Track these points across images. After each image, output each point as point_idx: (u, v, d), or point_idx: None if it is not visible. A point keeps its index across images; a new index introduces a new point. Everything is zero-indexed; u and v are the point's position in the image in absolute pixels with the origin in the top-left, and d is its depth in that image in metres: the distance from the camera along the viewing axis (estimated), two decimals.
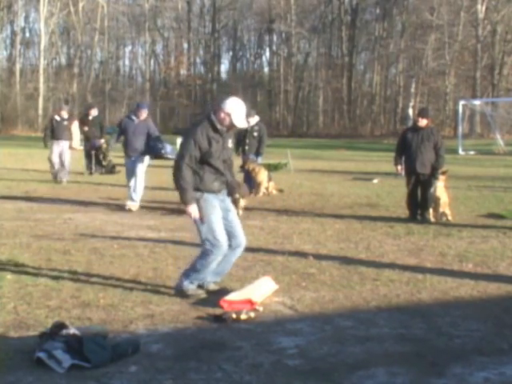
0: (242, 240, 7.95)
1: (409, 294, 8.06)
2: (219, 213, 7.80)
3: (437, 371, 5.64)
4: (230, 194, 8.08)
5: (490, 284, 8.57)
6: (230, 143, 8.02)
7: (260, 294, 7.61)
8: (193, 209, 7.62)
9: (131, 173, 15.27)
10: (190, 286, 7.81)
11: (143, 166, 15.31)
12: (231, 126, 7.77)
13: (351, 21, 79.25)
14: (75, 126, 22.62)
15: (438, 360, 5.89)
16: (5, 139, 52.27)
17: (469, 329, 6.78)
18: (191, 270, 7.85)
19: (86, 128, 23.69)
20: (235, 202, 8.17)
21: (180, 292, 7.79)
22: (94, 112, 24.20)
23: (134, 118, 15.34)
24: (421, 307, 7.56)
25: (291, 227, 12.89)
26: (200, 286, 7.92)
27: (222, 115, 7.69)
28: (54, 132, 21.40)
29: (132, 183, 15.16)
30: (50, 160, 21.47)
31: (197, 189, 7.68)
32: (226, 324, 6.81)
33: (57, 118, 21.68)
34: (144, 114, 15.27)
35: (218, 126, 7.67)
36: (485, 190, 19.80)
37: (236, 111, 7.70)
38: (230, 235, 7.84)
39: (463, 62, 69.35)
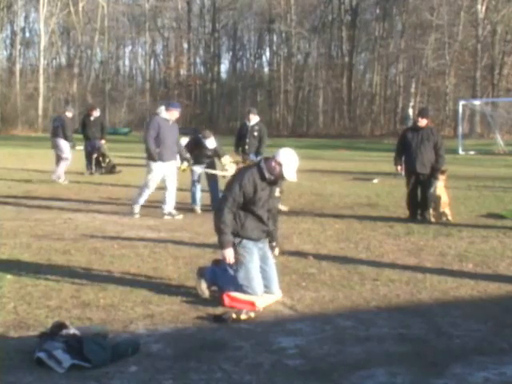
0: (276, 291, 7.88)
1: (409, 294, 8.06)
2: (257, 261, 7.78)
3: (437, 371, 5.65)
4: (270, 242, 8.09)
5: (490, 284, 8.58)
6: (278, 192, 7.98)
7: (265, 301, 7.58)
8: (229, 253, 7.56)
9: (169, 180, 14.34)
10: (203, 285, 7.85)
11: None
12: (280, 176, 7.73)
13: (351, 21, 79.21)
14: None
15: (437, 360, 5.89)
16: (5, 139, 52.26)
17: (469, 329, 6.79)
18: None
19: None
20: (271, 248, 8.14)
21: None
22: (95, 113, 24.17)
23: (167, 117, 14.30)
24: (421, 307, 7.56)
25: (291, 227, 12.89)
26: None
27: (273, 164, 7.67)
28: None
29: (170, 192, 14.29)
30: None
31: (236, 234, 7.68)
32: (225, 324, 6.81)
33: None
34: (178, 114, 14.55)
35: (267, 175, 7.67)
36: (485, 190, 19.80)
37: (288, 163, 7.70)
38: (265, 278, 7.81)
39: (463, 61, 69.32)
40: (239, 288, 7.62)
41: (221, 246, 7.62)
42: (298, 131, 73.34)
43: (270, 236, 8.07)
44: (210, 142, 14.88)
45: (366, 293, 8.11)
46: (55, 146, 21.63)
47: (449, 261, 9.99)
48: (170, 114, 14.22)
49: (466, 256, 10.30)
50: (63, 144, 21.56)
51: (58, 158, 21.51)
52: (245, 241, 7.68)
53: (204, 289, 7.78)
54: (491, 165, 31.12)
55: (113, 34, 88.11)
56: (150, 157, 14.01)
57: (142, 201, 14.38)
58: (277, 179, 7.78)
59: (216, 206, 7.74)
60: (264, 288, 7.75)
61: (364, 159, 34.65)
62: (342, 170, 27.09)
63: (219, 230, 7.57)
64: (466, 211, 15.17)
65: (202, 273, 7.89)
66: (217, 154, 15.12)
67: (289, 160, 7.72)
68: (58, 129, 21.57)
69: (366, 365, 5.78)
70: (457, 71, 68.81)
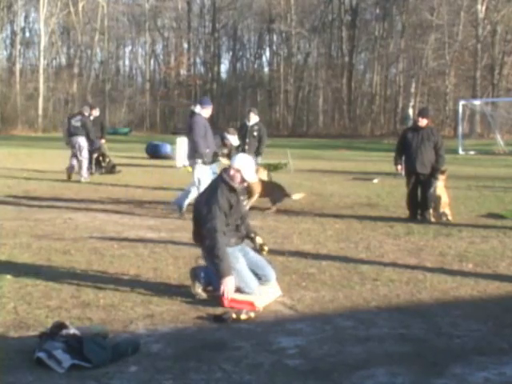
0: (271, 276, 7.98)
1: (409, 294, 8.06)
2: (243, 261, 7.89)
3: (437, 371, 5.65)
4: (248, 236, 8.24)
5: (490, 284, 8.58)
6: (242, 197, 8.16)
7: (264, 300, 7.59)
8: (231, 280, 7.48)
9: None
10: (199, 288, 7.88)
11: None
12: (242, 181, 7.94)
13: (351, 21, 79.26)
14: None
15: (438, 360, 5.89)
16: (5, 139, 52.28)
17: (469, 329, 6.79)
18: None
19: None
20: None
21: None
22: (95, 112, 24.17)
23: (206, 116, 14.08)
24: (421, 307, 7.56)
25: (291, 227, 12.90)
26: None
27: (232, 172, 7.87)
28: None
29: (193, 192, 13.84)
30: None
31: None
32: (225, 324, 6.81)
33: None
34: (211, 111, 14.30)
35: (235, 185, 7.84)
36: (485, 189, 19.80)
37: (244, 166, 7.91)
38: (256, 268, 7.93)
39: (463, 62, 69.34)
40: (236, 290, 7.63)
41: (223, 274, 7.47)
42: (298, 131, 73.40)
43: (247, 232, 8.22)
44: (234, 140, 14.72)
45: (366, 293, 8.11)
46: (75, 145, 21.77)
47: (449, 261, 10.00)
48: (206, 112, 14.06)
49: (466, 256, 10.31)
50: (83, 142, 21.80)
51: (74, 156, 21.77)
52: (228, 249, 7.71)
53: (200, 291, 7.78)
54: (491, 165, 31.13)
55: (113, 34, 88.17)
56: (200, 157, 13.67)
57: (187, 203, 14.00)
58: (241, 185, 7.98)
59: (207, 236, 7.68)
60: (262, 278, 7.89)
61: (364, 159, 34.65)
62: (342, 170, 27.10)
63: (218, 259, 7.51)
64: (466, 211, 15.18)
65: (195, 274, 7.88)
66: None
67: (244, 164, 7.94)
68: (78, 128, 21.77)
69: (366, 365, 5.78)
70: (457, 71, 68.84)
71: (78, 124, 21.79)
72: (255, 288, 7.69)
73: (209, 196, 7.90)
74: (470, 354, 6.08)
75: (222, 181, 7.89)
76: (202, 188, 13.10)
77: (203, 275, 7.85)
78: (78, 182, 20.84)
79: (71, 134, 21.84)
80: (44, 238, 11.49)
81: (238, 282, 7.63)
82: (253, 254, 8.09)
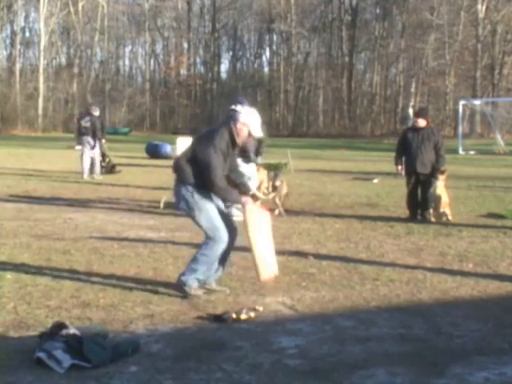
0: (233, 230, 7.95)
1: (409, 294, 8.06)
2: (215, 205, 7.83)
3: (437, 371, 5.64)
4: (244, 192, 8.17)
5: (490, 284, 8.57)
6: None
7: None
8: (246, 199, 7.74)
9: None
10: (194, 285, 7.79)
11: None
12: (249, 135, 7.78)
13: (351, 21, 79.35)
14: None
15: (438, 360, 5.89)
16: (5, 139, 52.30)
17: (469, 329, 6.78)
18: (195, 264, 7.81)
19: None
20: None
21: (181, 288, 7.77)
22: (95, 112, 24.22)
23: None
24: (421, 307, 7.56)
25: (291, 227, 12.89)
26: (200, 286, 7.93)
27: (239, 126, 7.68)
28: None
29: None
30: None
31: (198, 185, 7.68)
32: (226, 324, 6.81)
33: None
34: None
35: (237, 140, 7.71)
36: (485, 189, 19.81)
37: (252, 121, 7.73)
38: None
39: (463, 61, 69.40)
40: (206, 246, 7.74)
41: (236, 201, 7.86)
42: (298, 131, 73.46)
43: (243, 187, 8.21)
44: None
45: (366, 293, 8.10)
46: (85, 144, 22.38)
47: (449, 261, 9.99)
48: None
49: (466, 256, 10.30)
50: (92, 142, 22.52)
51: (83, 155, 22.26)
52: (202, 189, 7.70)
53: (198, 291, 7.77)
54: (491, 165, 31.15)
55: (113, 34, 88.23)
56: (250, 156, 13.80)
57: None
58: (244, 139, 7.83)
59: (207, 180, 7.65)
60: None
61: (364, 159, 34.68)
62: (342, 169, 27.12)
63: (225, 193, 7.63)
64: (466, 211, 15.18)
65: (183, 275, 7.88)
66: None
67: (252, 118, 7.74)
68: (88, 128, 22.20)
69: (366, 365, 5.77)
70: (457, 71, 68.88)
71: (88, 124, 22.34)
72: (222, 228, 7.71)
73: (210, 142, 7.70)
74: (470, 353, 6.08)
75: (226, 128, 7.73)
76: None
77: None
78: (78, 182, 20.85)
79: (82, 133, 22.42)
80: (44, 237, 11.48)
81: (205, 222, 7.68)
82: (223, 210, 8.01)
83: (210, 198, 7.77)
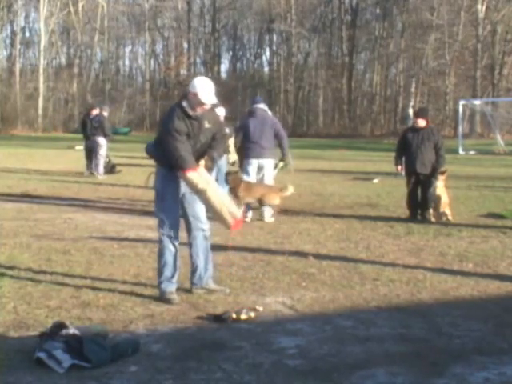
0: (202, 222, 8.04)
1: (409, 294, 8.06)
2: (177, 189, 7.83)
3: (437, 371, 5.64)
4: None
5: (491, 284, 8.58)
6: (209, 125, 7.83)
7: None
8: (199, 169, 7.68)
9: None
10: (167, 288, 7.81)
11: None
12: (200, 103, 7.53)
13: (351, 21, 79.37)
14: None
15: (438, 360, 5.89)
16: (5, 139, 52.30)
17: (469, 329, 6.78)
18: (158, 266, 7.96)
19: None
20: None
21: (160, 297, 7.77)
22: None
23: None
24: (421, 307, 7.56)
25: (291, 227, 12.90)
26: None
27: (190, 96, 7.54)
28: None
29: None
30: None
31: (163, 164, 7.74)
32: (225, 324, 6.81)
33: None
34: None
35: (190, 112, 7.56)
36: (485, 189, 19.81)
37: (202, 88, 7.52)
38: (192, 216, 7.98)
39: (463, 61, 69.40)
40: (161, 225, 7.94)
41: (186, 167, 7.52)
42: (298, 131, 73.38)
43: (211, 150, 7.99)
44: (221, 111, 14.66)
45: (366, 293, 8.10)
46: (94, 144, 22.94)
47: (449, 261, 9.99)
48: None
49: (466, 256, 10.30)
50: (102, 141, 23.02)
51: (90, 155, 22.63)
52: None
53: (172, 295, 7.74)
54: (491, 165, 31.15)
55: (113, 34, 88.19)
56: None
57: None
58: (197, 108, 7.56)
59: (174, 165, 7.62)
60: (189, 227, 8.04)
61: (364, 159, 34.69)
62: (342, 169, 27.13)
63: (179, 159, 7.49)
64: (466, 211, 15.18)
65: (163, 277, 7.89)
66: None
67: (201, 85, 7.52)
68: (97, 128, 22.88)
69: (367, 365, 5.77)
70: (457, 71, 68.88)
71: (97, 124, 22.66)
72: (172, 219, 7.87)
73: (162, 120, 7.81)
74: (470, 353, 6.08)
75: (177, 106, 7.63)
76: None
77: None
78: (78, 182, 20.86)
79: (92, 134, 22.74)
80: (44, 237, 11.48)
81: (157, 209, 7.95)
82: (192, 198, 7.92)
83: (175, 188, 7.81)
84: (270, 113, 14.53)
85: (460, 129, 46.05)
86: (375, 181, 22.17)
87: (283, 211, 14.59)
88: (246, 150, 13.88)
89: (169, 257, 7.84)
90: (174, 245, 7.90)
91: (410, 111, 65.37)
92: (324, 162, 31.82)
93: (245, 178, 13.73)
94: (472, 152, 40.55)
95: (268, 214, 13.70)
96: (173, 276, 7.84)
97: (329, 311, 7.36)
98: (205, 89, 7.52)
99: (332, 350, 6.13)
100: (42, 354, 5.67)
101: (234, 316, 6.93)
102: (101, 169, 22.72)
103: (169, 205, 7.82)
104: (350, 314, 7.25)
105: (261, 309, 7.28)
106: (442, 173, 13.80)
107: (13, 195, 17.40)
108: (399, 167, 14.30)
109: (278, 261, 9.65)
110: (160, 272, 7.87)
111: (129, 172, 24.07)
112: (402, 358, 5.92)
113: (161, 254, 7.92)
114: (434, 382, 5.45)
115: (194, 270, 8.01)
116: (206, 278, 8.01)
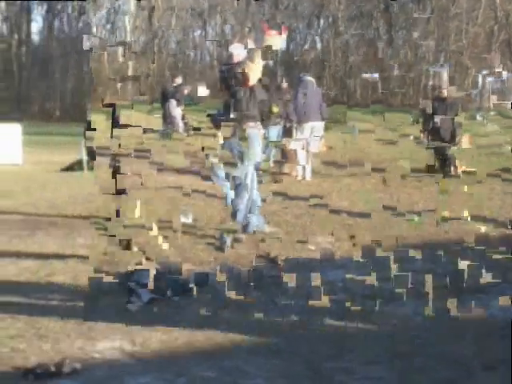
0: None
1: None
2: None
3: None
4: None
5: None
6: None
7: None
8: None
9: None
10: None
11: None
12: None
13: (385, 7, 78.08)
14: None
15: None
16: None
17: None
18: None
19: None
20: None
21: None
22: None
23: None
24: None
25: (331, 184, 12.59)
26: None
27: None
28: None
29: None
30: None
31: None
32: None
33: None
34: None
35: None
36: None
37: None
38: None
39: (477, 45, 67.82)
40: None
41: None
42: (339, 100, 72.80)
43: None
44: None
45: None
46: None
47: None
48: None
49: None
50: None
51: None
52: None
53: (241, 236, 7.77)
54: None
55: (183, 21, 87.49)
56: None
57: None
58: None
59: None
60: None
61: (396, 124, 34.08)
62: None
63: None
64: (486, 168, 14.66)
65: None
66: None
67: None
68: (174, 94, 21.94)
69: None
70: (471, 54, 67.43)
71: (174, 91, 22.03)
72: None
73: None
74: None
75: None
76: None
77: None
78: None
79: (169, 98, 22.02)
80: None
81: None
82: None
83: None
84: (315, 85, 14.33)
85: (478, 98, 45.16)
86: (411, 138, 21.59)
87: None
88: (298, 115, 13.73)
89: (241, 204, 7.76)
90: (247, 192, 7.79)
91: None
92: (369, 124, 31.19)
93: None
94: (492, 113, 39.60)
95: (309, 173, 13.56)
96: (244, 219, 7.78)
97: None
98: None
99: None
100: (131, 285, 5.76)
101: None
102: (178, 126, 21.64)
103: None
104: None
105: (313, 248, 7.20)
106: (463, 139, 13.68)
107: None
108: (423, 134, 14.12)
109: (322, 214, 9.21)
110: (233, 215, 7.83)
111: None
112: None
113: (236, 200, 7.81)
114: None
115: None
116: (262, 224, 7.98)
